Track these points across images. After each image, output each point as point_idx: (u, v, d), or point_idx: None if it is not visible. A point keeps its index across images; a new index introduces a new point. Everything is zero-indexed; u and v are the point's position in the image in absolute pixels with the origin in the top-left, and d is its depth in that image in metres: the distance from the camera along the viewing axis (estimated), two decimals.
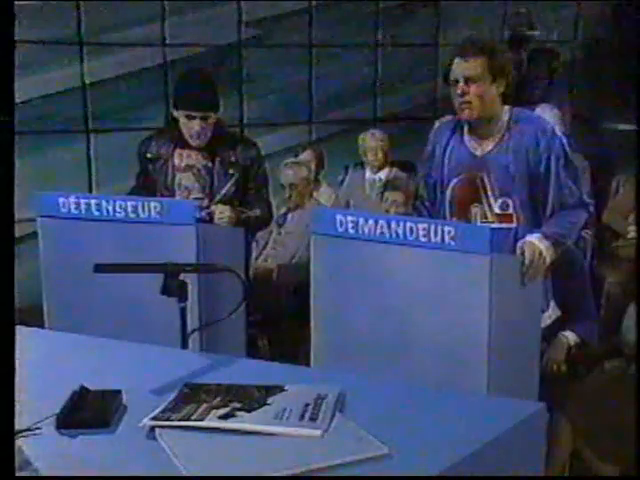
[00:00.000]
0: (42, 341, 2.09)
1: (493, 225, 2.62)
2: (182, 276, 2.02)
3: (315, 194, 4.65)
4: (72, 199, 2.89)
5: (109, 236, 2.80)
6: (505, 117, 2.69)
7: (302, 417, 1.56)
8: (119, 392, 1.68)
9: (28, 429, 1.54)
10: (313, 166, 4.71)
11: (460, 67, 2.63)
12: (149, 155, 3.22)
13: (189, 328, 2.09)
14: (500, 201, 2.67)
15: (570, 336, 2.96)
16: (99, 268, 2.05)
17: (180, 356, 2.01)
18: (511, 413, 1.61)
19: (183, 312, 2.05)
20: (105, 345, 2.05)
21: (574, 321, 2.96)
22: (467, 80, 2.62)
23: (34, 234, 3.00)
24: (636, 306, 2.70)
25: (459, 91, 2.62)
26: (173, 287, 2.00)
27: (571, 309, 2.94)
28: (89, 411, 1.59)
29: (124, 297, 2.72)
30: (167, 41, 5.68)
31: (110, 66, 5.48)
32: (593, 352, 3.02)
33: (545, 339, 2.77)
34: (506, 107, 2.70)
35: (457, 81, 2.64)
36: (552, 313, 2.86)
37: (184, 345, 2.09)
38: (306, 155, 4.98)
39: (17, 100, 4.65)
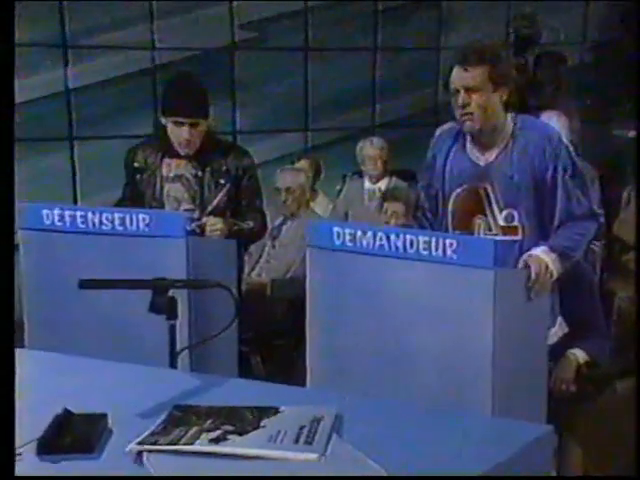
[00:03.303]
0: (22, 361, 2.09)
1: (497, 238, 2.63)
2: (171, 292, 2.03)
3: (311, 204, 4.67)
4: (56, 211, 2.89)
5: (95, 250, 2.81)
6: (509, 125, 2.70)
7: (297, 440, 1.56)
8: (104, 415, 1.68)
9: None
10: (309, 175, 4.73)
11: (460, 76, 2.64)
12: (136, 165, 3.23)
13: (178, 347, 2.09)
14: (504, 212, 2.69)
15: (579, 354, 2.97)
16: (84, 284, 2.06)
17: (169, 376, 2.02)
18: (517, 435, 1.61)
19: (172, 330, 2.05)
20: (90, 365, 2.05)
21: (583, 338, 2.97)
22: (468, 90, 2.63)
23: (15, 247, 3.00)
24: (636, 308, 2.70)
25: (460, 102, 2.64)
26: (162, 304, 2.01)
27: (580, 326, 2.94)
28: (72, 436, 1.59)
29: (110, 315, 2.72)
30: (155, 44, 5.71)
31: (95, 70, 5.50)
32: (604, 371, 3.02)
33: (552, 357, 2.78)
34: (510, 115, 2.71)
35: (457, 91, 2.65)
36: (560, 330, 2.87)
37: (173, 364, 2.09)
38: (302, 164, 5.00)
39: None
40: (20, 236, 2.94)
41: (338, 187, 5.33)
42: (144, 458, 1.53)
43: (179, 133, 3.11)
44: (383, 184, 4.90)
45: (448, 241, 2.40)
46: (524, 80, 3.19)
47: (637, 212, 2.66)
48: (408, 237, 2.46)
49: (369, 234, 2.53)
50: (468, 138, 2.75)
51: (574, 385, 2.94)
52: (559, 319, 2.85)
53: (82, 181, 5.48)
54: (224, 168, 3.20)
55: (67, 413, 1.67)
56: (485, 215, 2.71)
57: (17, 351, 2.19)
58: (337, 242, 2.58)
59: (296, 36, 6.16)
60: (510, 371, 2.41)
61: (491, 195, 2.69)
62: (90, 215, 2.86)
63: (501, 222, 2.69)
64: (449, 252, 2.39)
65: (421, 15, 6.52)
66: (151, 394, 1.81)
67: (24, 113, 5.13)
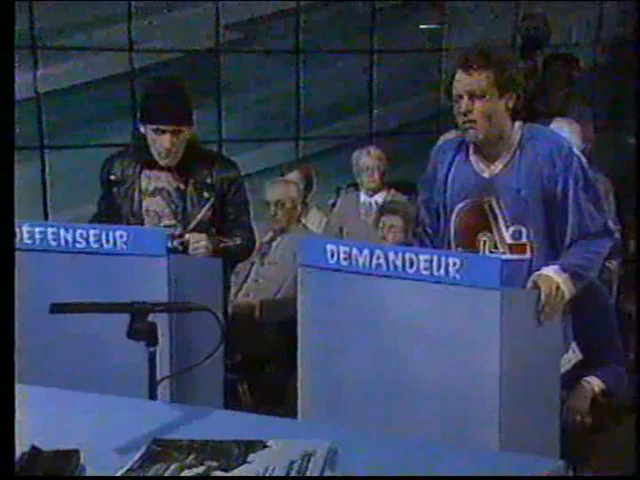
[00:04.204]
0: None
1: (504, 256, 2.65)
2: (151, 317, 2.03)
3: (303, 219, 4.68)
4: (25, 227, 2.90)
5: (68, 270, 2.81)
6: (516, 134, 2.72)
7: (287, 477, 1.57)
8: (76, 452, 1.67)
9: None
10: (301, 187, 4.75)
11: (463, 81, 2.66)
12: (113, 177, 3.24)
13: (158, 375, 2.09)
14: (511, 229, 2.70)
15: (594, 383, 2.98)
16: (56, 308, 2.06)
17: (148, 408, 2.02)
18: (527, 471, 1.62)
19: (152, 358, 2.05)
20: (61, 396, 2.05)
21: (599, 365, 2.98)
22: (471, 96, 2.64)
23: None
24: (636, 312, 2.71)
25: (462, 108, 2.65)
26: (141, 329, 2.01)
27: (595, 352, 2.95)
28: (40, 475, 1.59)
29: (84, 341, 2.72)
30: (134, 46, 5.73)
31: (68, 73, 5.52)
32: (621, 401, 3.03)
33: (566, 386, 2.79)
34: (517, 123, 2.73)
35: (460, 97, 2.66)
36: (573, 356, 2.88)
37: (152, 395, 2.09)
38: (293, 175, 5.02)
39: None
40: None
41: (332, 200, 5.35)
42: None
43: (160, 142, 3.12)
44: (380, 197, 4.92)
45: (451, 260, 2.42)
46: (532, 85, 3.20)
47: (637, 213, 2.68)
48: (407, 255, 2.47)
49: (365, 252, 2.54)
50: (472, 148, 2.76)
51: (589, 416, 2.95)
52: (572, 344, 2.86)
53: (53, 194, 5.48)
54: (208, 180, 3.21)
55: (34, 450, 1.66)
56: (490, 232, 2.72)
57: None
58: (331, 261, 2.60)
59: (287, 37, 6.19)
60: (519, 401, 2.42)
61: (497, 210, 2.71)
62: (62, 232, 2.87)
63: (508, 239, 2.71)
64: (452, 272, 2.41)
65: (422, 14, 6.56)
66: (128, 427, 1.81)
67: None
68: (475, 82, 2.64)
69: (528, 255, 2.70)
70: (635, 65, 6.00)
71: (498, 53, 2.72)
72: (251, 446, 1.69)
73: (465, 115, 2.65)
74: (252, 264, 4.31)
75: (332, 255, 2.59)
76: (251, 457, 1.65)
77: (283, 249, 4.34)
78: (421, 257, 2.46)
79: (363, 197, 5.02)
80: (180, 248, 3.04)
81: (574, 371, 2.91)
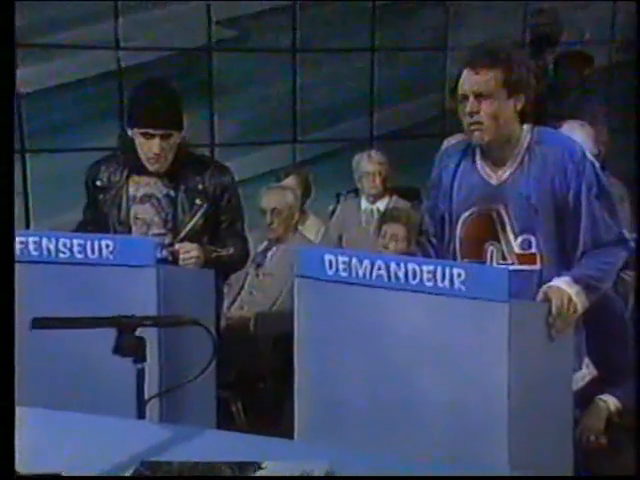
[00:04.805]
0: None
1: (512, 267, 2.65)
2: (139, 331, 2.04)
3: (300, 228, 4.69)
4: None
5: (51, 282, 2.82)
6: (525, 138, 2.73)
7: None
8: (57, 476, 1.68)
9: None
10: (298, 193, 4.77)
11: (470, 80, 2.67)
12: (99, 183, 3.25)
13: (147, 394, 2.10)
14: (520, 238, 2.71)
15: (610, 401, 2.98)
16: (38, 323, 2.07)
17: (135, 428, 2.02)
18: None
19: (140, 375, 2.06)
20: (44, 416, 2.05)
21: (614, 383, 2.98)
22: (478, 96, 2.65)
23: None
24: (636, 316, 2.70)
25: (468, 109, 2.66)
26: (128, 345, 2.02)
27: (610, 368, 2.95)
28: None
29: (67, 358, 2.72)
30: (120, 44, 5.74)
31: (50, 73, 5.52)
32: (638, 420, 3.02)
33: (579, 405, 2.79)
34: (526, 126, 2.74)
35: (466, 97, 2.67)
36: (587, 373, 2.87)
37: (141, 414, 2.10)
38: (290, 181, 5.03)
39: None
40: None
41: (331, 207, 5.36)
42: None
43: (148, 147, 3.13)
44: (382, 204, 4.93)
45: (456, 271, 2.42)
46: (543, 85, 3.21)
47: (637, 214, 2.68)
48: (410, 266, 2.48)
49: (366, 262, 2.54)
50: (478, 153, 2.77)
51: (605, 436, 2.95)
52: (586, 360, 2.86)
53: (35, 201, 5.48)
54: (200, 186, 3.22)
55: (13, 475, 1.66)
56: (498, 241, 2.73)
57: None
58: (329, 271, 2.60)
59: (283, 35, 6.20)
60: (530, 421, 2.42)
61: (505, 218, 2.71)
62: (45, 241, 2.88)
63: (516, 249, 2.71)
64: (457, 283, 2.41)
65: (426, 11, 6.57)
66: (114, 449, 1.81)
67: None
68: (482, 82, 2.65)
69: (538, 266, 2.70)
70: None
71: (507, 52, 2.72)
72: (245, 468, 1.70)
73: (471, 116, 2.66)
74: (246, 275, 4.31)
75: (330, 266, 2.60)
76: None
77: (279, 259, 4.35)
78: (424, 268, 2.46)
79: (364, 204, 5.03)
80: (170, 258, 3.05)
81: (588, 389, 2.90)
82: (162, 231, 3.21)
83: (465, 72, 2.69)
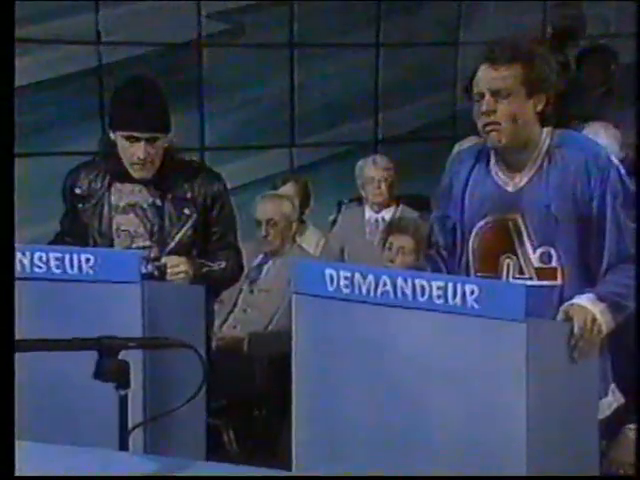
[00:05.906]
0: None
1: (530, 282, 2.65)
2: (122, 354, 2.04)
3: (298, 239, 4.70)
4: None
5: (25, 300, 2.81)
6: (544, 141, 2.73)
7: None
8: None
9: None
10: (296, 202, 4.78)
11: (487, 77, 2.67)
12: (78, 190, 3.26)
13: (130, 423, 2.10)
14: (539, 251, 2.71)
15: None
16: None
17: (118, 459, 2.02)
18: None
19: (123, 402, 2.06)
20: (18, 448, 2.05)
21: None
22: (495, 94, 2.66)
23: None
24: (635, 317, 2.69)
25: (484, 108, 2.66)
26: (110, 369, 2.02)
27: (639, 395, 2.95)
28: None
29: (44, 384, 2.72)
30: (102, 38, 5.77)
31: (25, 70, 5.52)
32: None
33: (606, 435, 2.78)
34: (546, 128, 2.75)
35: (482, 95, 2.68)
36: (613, 400, 2.86)
37: (123, 445, 2.10)
38: (287, 189, 5.04)
39: None
40: None
41: (332, 217, 5.37)
42: None
43: (132, 151, 3.14)
44: (388, 214, 4.94)
45: (468, 287, 2.43)
46: (564, 83, 3.21)
47: (637, 216, 2.68)
48: (418, 282, 2.48)
49: (370, 278, 2.55)
50: (493, 158, 2.78)
51: (634, 469, 2.94)
52: (612, 386, 2.85)
53: None
54: (189, 195, 3.23)
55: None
56: (515, 254, 2.73)
57: None
58: (330, 287, 2.60)
59: (279, 29, 6.22)
60: (550, 450, 2.42)
61: (522, 229, 2.72)
62: (19, 255, 2.88)
63: (535, 263, 2.71)
64: (470, 300, 2.42)
65: (435, 3, 6.59)
66: None
67: None
68: (500, 78, 2.66)
69: (559, 281, 2.70)
70: None
71: (529, 47, 2.73)
72: None
73: (487, 116, 2.66)
74: (239, 291, 4.32)
75: (331, 281, 2.60)
76: None
77: (275, 274, 4.36)
78: (434, 284, 2.47)
79: (368, 213, 5.04)
80: (156, 273, 3.05)
81: (615, 417, 2.89)
82: (147, 243, 3.22)
83: (482, 68, 2.69)
